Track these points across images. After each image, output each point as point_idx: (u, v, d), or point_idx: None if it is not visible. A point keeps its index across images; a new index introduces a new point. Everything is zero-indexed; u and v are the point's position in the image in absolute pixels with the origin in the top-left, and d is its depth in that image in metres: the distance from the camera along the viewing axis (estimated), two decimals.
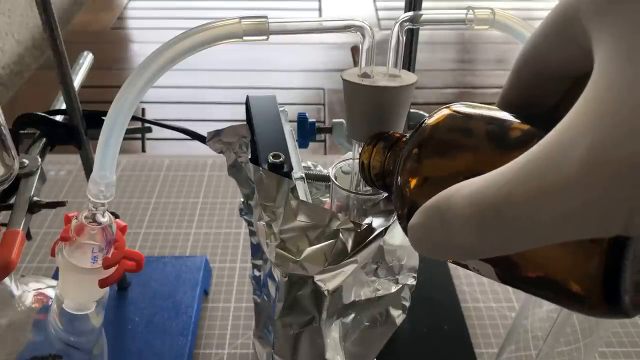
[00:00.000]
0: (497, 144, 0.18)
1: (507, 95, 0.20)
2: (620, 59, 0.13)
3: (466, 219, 0.15)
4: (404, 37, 0.29)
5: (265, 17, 0.27)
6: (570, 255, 0.15)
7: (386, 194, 0.30)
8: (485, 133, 0.19)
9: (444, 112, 0.21)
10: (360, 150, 0.29)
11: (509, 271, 0.17)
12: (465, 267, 0.19)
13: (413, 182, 0.21)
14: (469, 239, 0.15)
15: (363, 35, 0.28)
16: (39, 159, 0.38)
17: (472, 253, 0.16)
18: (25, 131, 0.40)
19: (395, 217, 0.29)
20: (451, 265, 0.58)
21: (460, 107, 0.20)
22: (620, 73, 0.13)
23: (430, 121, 0.21)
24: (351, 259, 0.28)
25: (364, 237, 0.29)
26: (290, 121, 0.36)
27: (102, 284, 0.29)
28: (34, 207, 0.35)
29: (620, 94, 0.13)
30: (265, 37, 0.27)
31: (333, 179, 0.31)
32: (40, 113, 0.40)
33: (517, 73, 0.19)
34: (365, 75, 0.28)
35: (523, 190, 0.14)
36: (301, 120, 0.42)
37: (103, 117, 0.26)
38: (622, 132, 0.12)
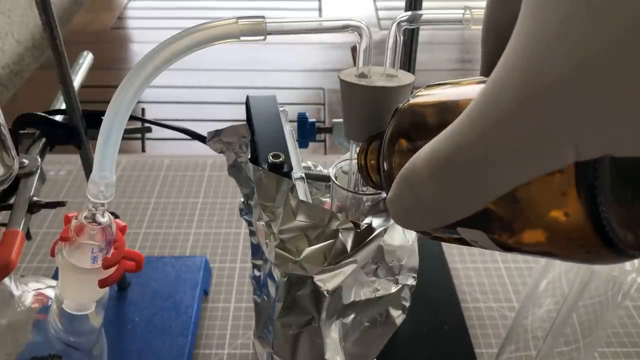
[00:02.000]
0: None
1: (483, 69, 0.20)
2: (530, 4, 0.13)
3: (426, 178, 0.15)
4: (402, 37, 0.29)
5: (263, 17, 0.27)
6: (546, 197, 0.15)
7: (385, 194, 0.30)
8: (450, 106, 0.19)
9: (411, 99, 0.21)
10: (358, 150, 0.29)
11: (499, 233, 0.17)
12: (465, 243, 0.19)
13: (390, 166, 0.21)
14: (433, 197, 0.15)
15: (360, 36, 0.28)
16: (39, 159, 0.38)
17: (443, 214, 0.16)
18: (25, 131, 0.40)
19: None
20: (451, 266, 0.58)
21: (427, 89, 0.21)
22: (532, 14, 0.13)
23: (400, 106, 0.22)
24: (351, 259, 0.28)
25: (363, 237, 0.29)
26: (290, 121, 0.36)
27: (102, 284, 0.29)
28: (34, 207, 0.35)
29: (536, 26, 0.13)
30: (262, 38, 0.27)
31: (333, 179, 0.31)
32: (40, 113, 0.40)
33: (484, 44, 0.20)
34: (362, 75, 0.28)
35: (469, 133, 0.14)
36: (301, 120, 0.42)
37: (103, 117, 0.26)
38: (549, 55, 0.12)
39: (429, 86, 0.22)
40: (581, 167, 0.14)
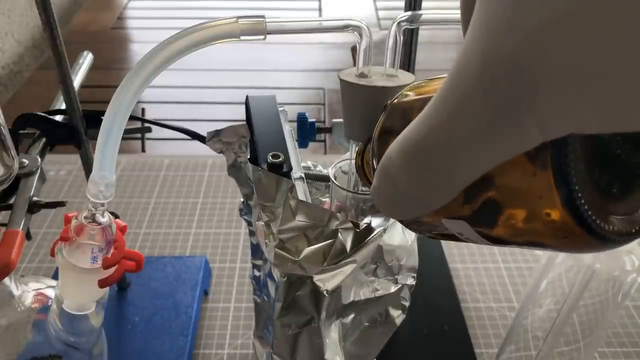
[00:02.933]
0: None
1: (463, 29, 0.20)
2: None
3: (399, 166, 0.15)
4: (402, 37, 0.29)
5: (263, 16, 0.27)
6: (518, 182, 0.15)
7: None
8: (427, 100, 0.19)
9: (399, 96, 0.21)
10: (357, 151, 0.29)
11: (480, 223, 0.17)
12: (455, 238, 0.19)
13: (378, 162, 0.21)
14: (407, 185, 0.15)
15: (360, 35, 0.28)
16: (39, 159, 0.38)
17: (419, 202, 0.16)
18: (25, 131, 0.40)
19: None
20: (451, 266, 0.58)
21: (414, 87, 0.21)
22: None
23: (388, 103, 0.22)
24: (350, 259, 0.28)
25: (363, 237, 0.29)
26: (290, 121, 0.36)
27: (102, 284, 0.29)
28: (34, 207, 0.35)
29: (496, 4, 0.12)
30: (262, 37, 0.27)
31: (333, 179, 0.31)
32: (40, 113, 0.40)
33: (463, 23, 0.19)
34: (362, 75, 0.28)
35: (436, 117, 0.14)
36: (301, 120, 0.42)
37: (103, 117, 0.26)
38: (502, 33, 0.12)
39: (416, 84, 0.22)
40: (550, 148, 0.13)
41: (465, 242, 0.19)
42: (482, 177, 0.15)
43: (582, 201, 0.14)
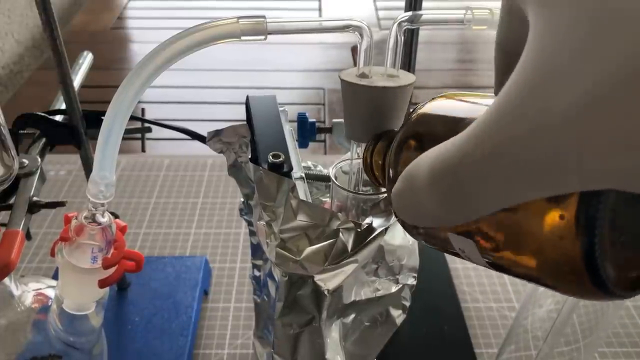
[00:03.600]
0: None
1: (497, 83, 0.20)
2: (543, 29, 0.14)
3: (427, 184, 0.15)
4: (403, 37, 0.29)
5: (263, 17, 0.27)
6: (542, 219, 0.15)
7: (387, 194, 0.30)
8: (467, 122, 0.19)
9: (429, 103, 0.21)
10: (358, 151, 0.29)
11: (489, 247, 0.17)
12: (452, 251, 0.19)
13: (396, 169, 0.21)
14: (430, 201, 0.16)
15: (361, 36, 0.28)
16: (39, 159, 0.38)
17: (439, 218, 0.16)
18: (25, 131, 0.40)
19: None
20: (451, 266, 0.58)
21: (444, 98, 0.21)
22: (543, 38, 0.13)
23: (416, 112, 0.22)
24: (351, 259, 0.28)
25: (364, 236, 0.29)
26: (290, 121, 0.36)
27: (102, 284, 0.29)
28: (34, 207, 0.35)
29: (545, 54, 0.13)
30: (263, 37, 0.27)
31: (333, 179, 0.31)
32: (40, 113, 0.40)
33: (496, 60, 0.20)
34: (363, 75, 0.27)
35: (476, 148, 0.14)
36: (301, 120, 0.42)
37: (103, 117, 0.26)
38: (559, 87, 0.13)
39: (446, 95, 0.21)
40: (584, 197, 0.14)
41: (463, 259, 0.19)
42: (501, 217, 0.15)
43: (600, 253, 0.14)
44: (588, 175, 0.13)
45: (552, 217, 0.15)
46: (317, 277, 0.28)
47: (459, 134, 0.15)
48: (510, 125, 0.13)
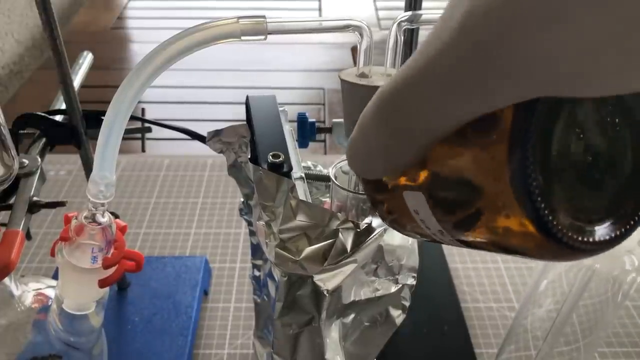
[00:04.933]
0: None
1: None
2: None
3: (371, 115, 0.16)
4: (403, 37, 0.29)
5: (263, 16, 0.27)
6: (475, 152, 0.14)
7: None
8: None
9: None
10: None
11: (436, 197, 0.16)
12: (424, 236, 0.18)
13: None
14: (376, 134, 0.16)
15: (361, 35, 0.28)
16: (39, 159, 0.38)
17: (386, 155, 0.16)
18: (25, 131, 0.40)
19: None
20: (451, 266, 0.58)
21: None
22: None
23: None
24: (351, 259, 0.28)
25: (363, 236, 0.29)
26: (290, 121, 0.36)
27: (102, 284, 0.29)
28: (34, 207, 0.35)
29: None
30: (263, 37, 0.27)
31: (333, 179, 0.31)
32: (40, 113, 0.40)
33: None
34: (363, 75, 0.28)
35: (412, 65, 0.14)
36: (301, 120, 0.42)
37: (103, 117, 0.26)
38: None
39: None
40: (516, 113, 0.13)
41: (429, 236, 0.18)
42: (444, 153, 0.15)
43: (539, 198, 0.13)
44: (521, 79, 0.12)
45: (485, 141, 0.14)
46: (316, 277, 0.28)
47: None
48: (441, 34, 0.13)
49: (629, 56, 0.11)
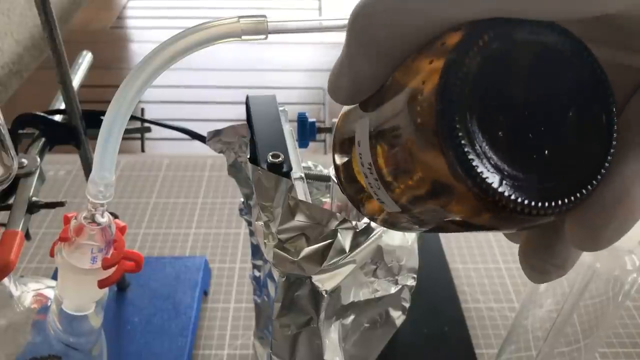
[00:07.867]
0: None
1: None
2: None
3: (349, 30, 0.16)
4: None
5: (264, 16, 0.27)
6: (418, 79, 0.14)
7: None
8: None
9: None
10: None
11: (377, 133, 0.16)
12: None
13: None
14: (348, 47, 0.16)
15: None
16: (38, 159, 0.38)
17: (349, 64, 0.16)
18: (24, 131, 0.40)
19: None
20: (452, 266, 0.58)
21: None
22: None
23: None
24: (349, 259, 0.28)
25: (362, 237, 0.29)
26: (290, 121, 0.36)
27: (102, 284, 0.29)
28: (33, 207, 0.35)
29: None
30: (264, 37, 0.27)
31: (333, 179, 0.31)
32: (39, 113, 0.40)
33: None
34: None
35: None
36: (301, 120, 0.42)
37: (102, 117, 0.25)
38: None
39: None
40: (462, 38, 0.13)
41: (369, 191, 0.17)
42: (395, 82, 0.15)
43: (463, 141, 0.13)
44: None
45: (427, 68, 0.14)
46: (314, 278, 0.28)
47: None
48: None
49: None
